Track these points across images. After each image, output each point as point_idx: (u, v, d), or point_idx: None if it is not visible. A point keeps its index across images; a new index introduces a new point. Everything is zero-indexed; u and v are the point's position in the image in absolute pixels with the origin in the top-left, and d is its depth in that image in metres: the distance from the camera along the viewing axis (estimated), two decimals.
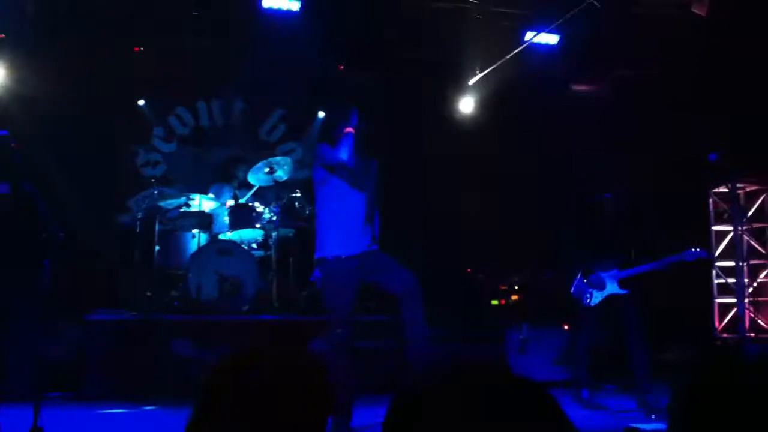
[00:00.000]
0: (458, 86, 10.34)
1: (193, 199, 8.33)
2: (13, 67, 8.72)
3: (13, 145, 6.79)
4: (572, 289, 6.57)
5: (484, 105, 10.37)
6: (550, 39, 9.29)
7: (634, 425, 5.42)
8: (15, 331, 6.67)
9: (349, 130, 5.31)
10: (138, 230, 8.10)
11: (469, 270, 8.84)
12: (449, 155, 10.08)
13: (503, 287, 8.58)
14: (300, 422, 1.36)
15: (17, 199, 6.75)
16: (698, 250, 6.21)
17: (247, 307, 7.80)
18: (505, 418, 1.05)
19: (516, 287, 8.55)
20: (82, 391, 6.80)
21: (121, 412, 6.19)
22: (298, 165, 9.44)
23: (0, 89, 8.72)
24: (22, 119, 8.42)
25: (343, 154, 5.25)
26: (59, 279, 7.66)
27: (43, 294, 6.89)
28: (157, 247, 7.88)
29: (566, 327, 7.68)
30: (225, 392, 1.35)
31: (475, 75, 10.10)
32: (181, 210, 8.31)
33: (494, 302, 8.51)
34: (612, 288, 6.38)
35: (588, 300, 6.41)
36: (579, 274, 6.51)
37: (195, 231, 8.27)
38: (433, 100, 10.37)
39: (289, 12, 8.60)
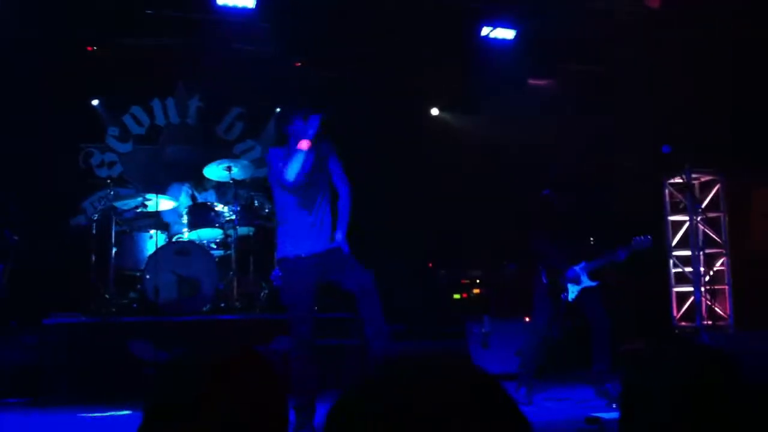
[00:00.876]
0: (417, 83, 10.36)
1: (149, 200, 8.22)
2: None
3: None
4: (544, 283, 6.46)
5: (445, 101, 10.41)
6: (507, 34, 9.34)
7: (594, 414, 5.48)
8: None
9: (303, 145, 5.02)
10: (94, 232, 7.96)
11: (430, 265, 8.85)
12: (410, 152, 10.09)
13: (465, 281, 8.60)
14: (254, 422, 1.34)
15: None
16: (643, 237, 6.36)
17: (207, 307, 7.72)
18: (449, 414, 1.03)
19: (477, 281, 8.58)
20: (40, 397, 6.68)
21: (80, 417, 6.09)
22: (256, 163, 9.37)
23: None
24: None
25: (290, 175, 5.00)
26: (14, 283, 7.54)
27: None
28: (113, 249, 7.76)
29: (527, 319, 7.72)
30: (173, 395, 1.32)
31: (435, 73, 10.13)
32: (138, 210, 8.20)
33: (456, 296, 8.54)
34: (585, 281, 6.39)
35: (565, 296, 6.36)
36: (547, 271, 6.44)
37: (152, 231, 8.16)
38: (392, 97, 10.38)
39: (244, 9, 8.52)
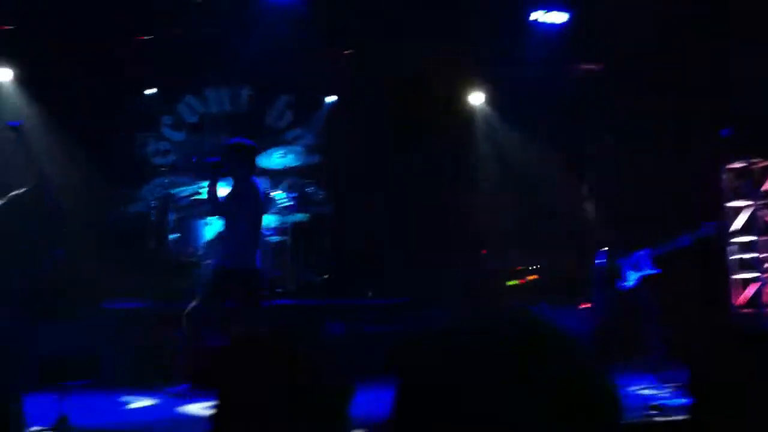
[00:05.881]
0: (469, 72, 10.27)
1: (204, 187, 8.29)
2: (24, 60, 8.71)
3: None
4: (601, 271, 6.40)
5: (497, 94, 10.30)
6: (560, 18, 9.19)
7: (657, 402, 5.41)
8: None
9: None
10: (153, 219, 8.07)
11: (484, 251, 8.78)
12: (465, 145, 10.02)
13: (520, 267, 8.53)
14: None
15: (33, 196, 6.79)
16: (710, 224, 6.31)
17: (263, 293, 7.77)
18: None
19: (533, 267, 8.50)
20: (100, 380, 6.79)
21: (139, 399, 6.20)
22: (307, 151, 9.39)
23: (11, 83, 8.77)
24: (31, 113, 8.48)
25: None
26: (77, 270, 7.69)
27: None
28: (171, 236, 7.85)
29: (583, 306, 7.65)
30: (234, 382, 1.36)
31: (487, 61, 10.00)
32: (193, 198, 8.27)
33: (512, 283, 8.47)
34: (647, 268, 6.31)
35: (622, 283, 6.30)
36: (609, 258, 6.37)
37: (208, 218, 8.24)
38: (445, 87, 10.32)
39: None
